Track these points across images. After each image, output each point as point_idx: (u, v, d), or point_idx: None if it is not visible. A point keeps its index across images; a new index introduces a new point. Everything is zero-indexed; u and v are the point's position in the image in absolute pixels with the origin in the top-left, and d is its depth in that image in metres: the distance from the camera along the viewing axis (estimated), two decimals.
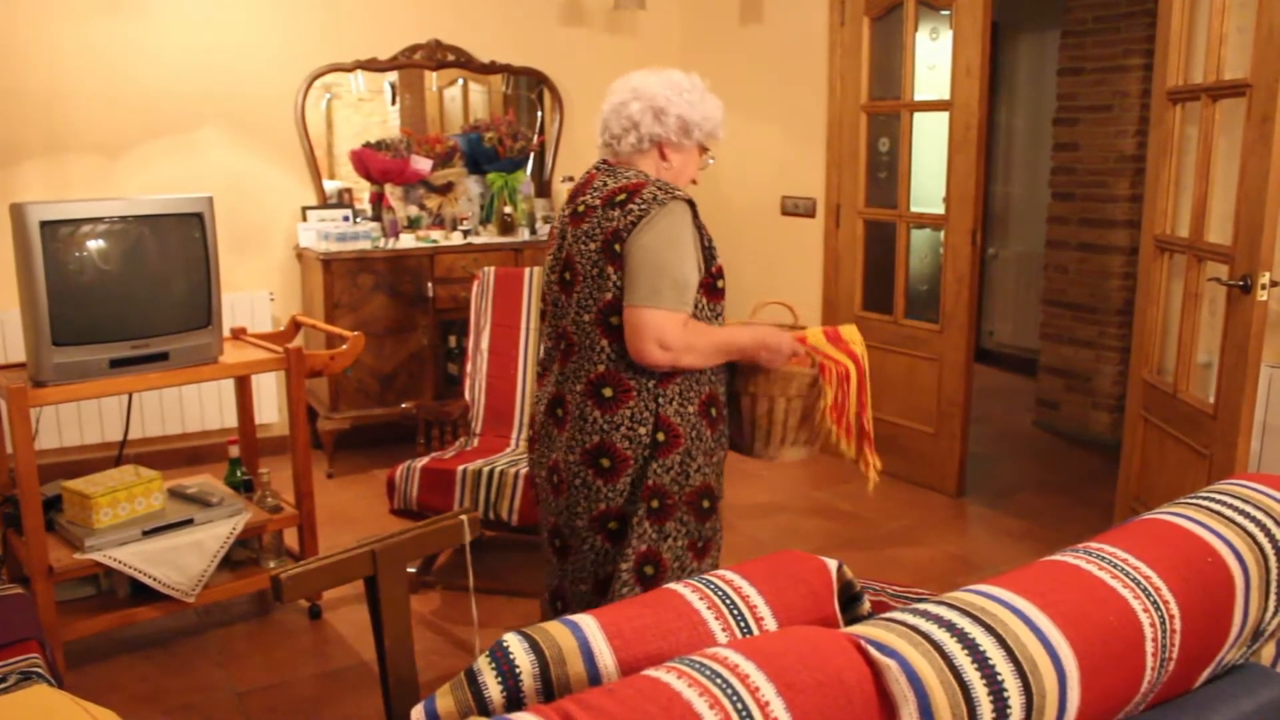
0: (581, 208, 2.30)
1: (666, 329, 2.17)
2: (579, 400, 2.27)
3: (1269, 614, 1.47)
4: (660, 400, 2.25)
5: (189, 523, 3.30)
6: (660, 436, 2.25)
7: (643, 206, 2.21)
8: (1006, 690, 1.15)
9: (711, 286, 2.32)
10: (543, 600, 2.56)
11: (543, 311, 2.45)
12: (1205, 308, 3.48)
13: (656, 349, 2.17)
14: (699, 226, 2.30)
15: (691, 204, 2.30)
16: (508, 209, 5.46)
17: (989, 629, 1.20)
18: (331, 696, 3.12)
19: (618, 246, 2.21)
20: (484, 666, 1.25)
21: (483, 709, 1.23)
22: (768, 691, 1.08)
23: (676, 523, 2.29)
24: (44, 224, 2.99)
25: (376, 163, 5.20)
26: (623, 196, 2.24)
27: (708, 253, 2.31)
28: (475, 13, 5.62)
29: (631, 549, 2.26)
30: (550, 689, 1.24)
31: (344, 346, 3.65)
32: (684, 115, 2.39)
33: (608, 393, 2.24)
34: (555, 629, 1.28)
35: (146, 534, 3.21)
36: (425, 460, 3.73)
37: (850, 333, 2.55)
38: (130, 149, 4.91)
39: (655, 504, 2.26)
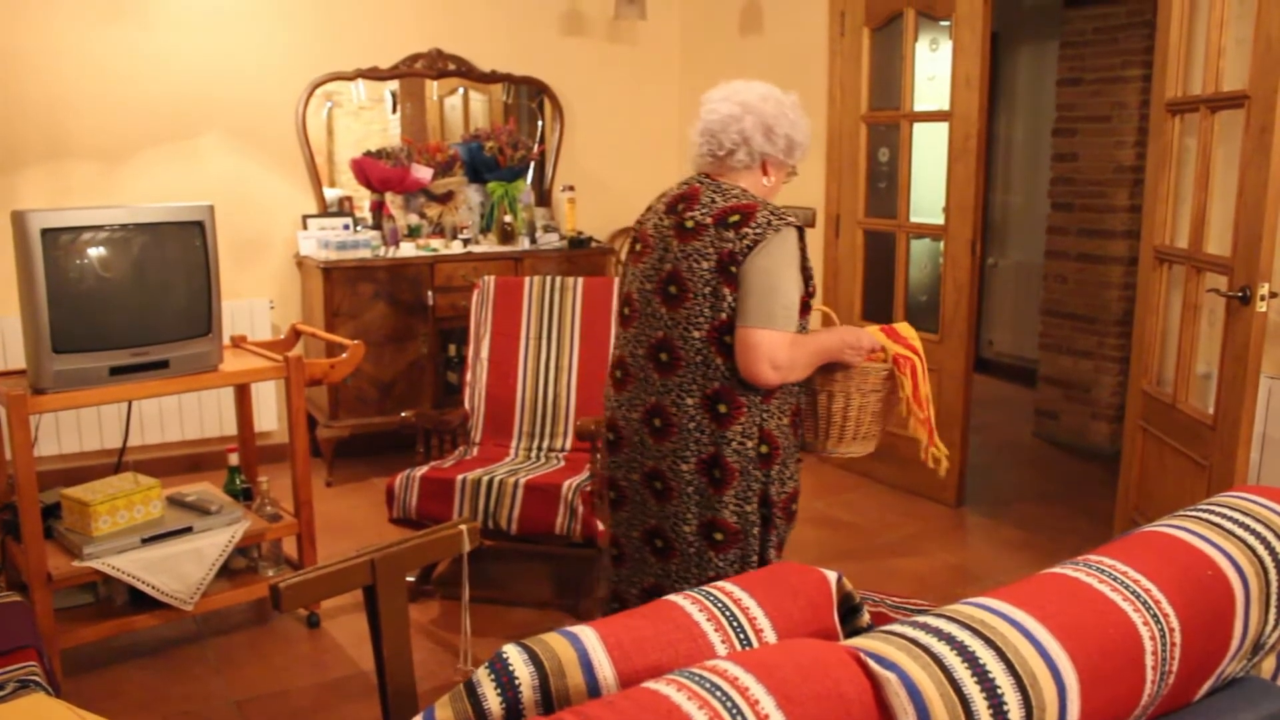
0: (690, 223, 2.35)
1: (779, 350, 2.27)
2: (691, 413, 2.35)
3: (1269, 627, 1.47)
4: (764, 415, 2.36)
5: (188, 531, 3.30)
6: (764, 449, 2.37)
7: (758, 231, 2.28)
8: (1006, 704, 1.15)
9: (804, 304, 2.41)
10: (598, 602, 2.65)
11: (625, 316, 2.50)
12: (1204, 318, 3.48)
13: (769, 369, 2.28)
14: (803, 249, 2.36)
15: (800, 229, 2.35)
16: (508, 218, 5.46)
17: (989, 642, 1.20)
18: (330, 706, 3.11)
19: (733, 269, 2.28)
20: (483, 678, 1.24)
21: None
22: (767, 704, 1.08)
23: (774, 527, 2.43)
24: (45, 231, 2.99)
25: (377, 171, 5.20)
26: (736, 218, 2.30)
27: (806, 273, 2.39)
28: (476, 22, 5.63)
29: (736, 550, 2.39)
30: (550, 701, 1.23)
31: (344, 355, 3.65)
32: (790, 135, 2.45)
33: (723, 409, 2.33)
34: (555, 641, 1.28)
35: (145, 542, 3.21)
36: (424, 469, 3.73)
37: (905, 329, 2.65)
38: (131, 156, 4.91)
39: (763, 512, 2.40)
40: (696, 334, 2.33)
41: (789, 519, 2.48)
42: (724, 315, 2.30)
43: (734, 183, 2.42)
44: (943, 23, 4.75)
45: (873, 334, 2.58)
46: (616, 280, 2.67)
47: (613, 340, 2.61)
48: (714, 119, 2.42)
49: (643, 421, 2.42)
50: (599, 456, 2.57)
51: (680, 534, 2.41)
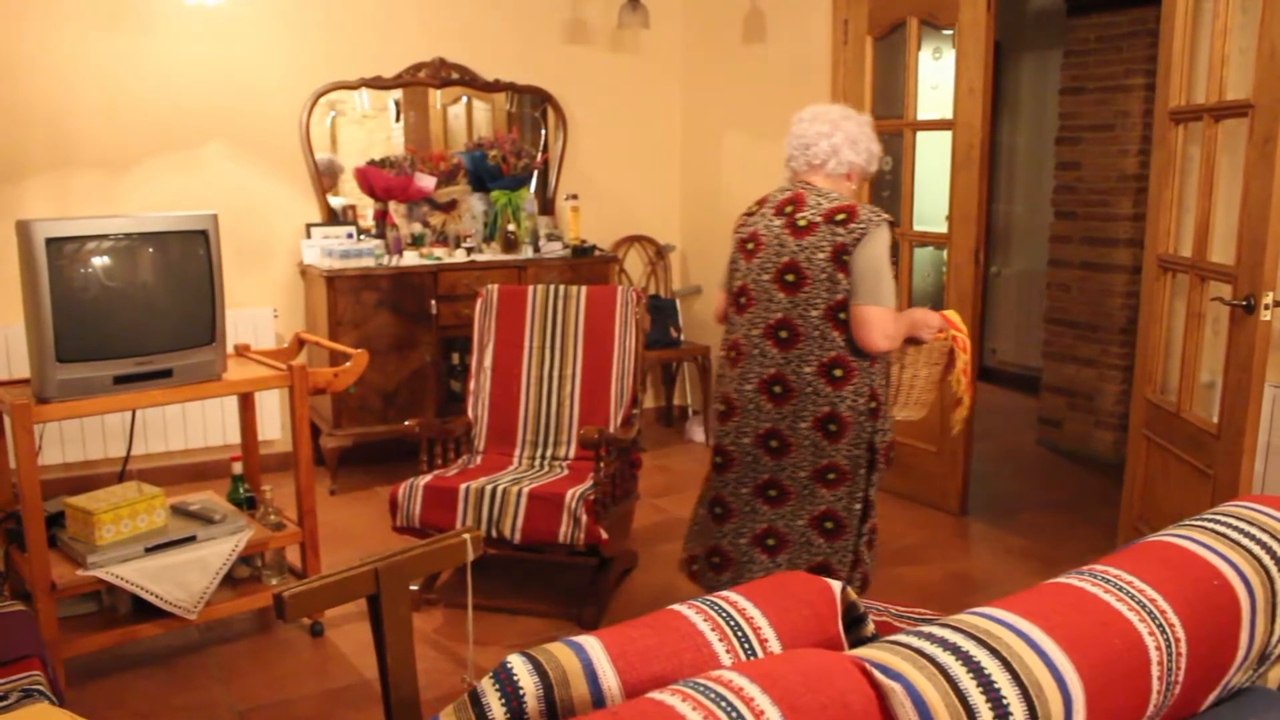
0: (803, 222, 2.83)
1: (888, 322, 2.78)
2: (809, 379, 2.83)
3: (1275, 637, 1.46)
4: (871, 376, 2.86)
5: (191, 540, 3.30)
6: (872, 404, 2.86)
7: (863, 226, 2.76)
8: (1011, 714, 1.15)
9: None
10: (682, 562, 3.20)
11: (741, 304, 2.95)
12: (1208, 327, 3.48)
13: (881, 338, 2.77)
14: (893, 241, 2.85)
15: (892, 224, 2.84)
16: (511, 227, 5.47)
17: (994, 652, 1.20)
18: (333, 715, 3.11)
19: (845, 258, 2.75)
20: (488, 688, 1.24)
21: None
22: (772, 715, 1.08)
23: (877, 469, 2.93)
24: (49, 241, 3.00)
25: (380, 180, 5.21)
26: (842, 216, 2.78)
27: (893, 260, 2.85)
28: (480, 31, 5.65)
29: (845, 487, 2.88)
30: (554, 711, 1.23)
31: (348, 364, 3.65)
32: (870, 148, 2.96)
33: (838, 373, 2.82)
34: (559, 650, 1.28)
35: (149, 551, 3.21)
36: (428, 478, 3.73)
37: (953, 315, 3.13)
38: (135, 165, 4.92)
39: (870, 457, 2.89)
40: (814, 313, 2.79)
41: (888, 464, 2.98)
42: (839, 296, 2.77)
43: (833, 188, 2.89)
44: (946, 31, 4.76)
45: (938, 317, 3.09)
46: (724, 275, 3.08)
47: (726, 326, 3.07)
48: (808, 135, 2.91)
49: (759, 390, 2.89)
50: (715, 423, 3.06)
51: (796, 480, 2.89)
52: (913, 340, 3.01)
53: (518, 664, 1.26)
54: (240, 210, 5.09)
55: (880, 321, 2.76)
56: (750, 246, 2.93)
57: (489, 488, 3.62)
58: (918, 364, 3.08)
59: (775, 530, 2.95)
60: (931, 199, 4.90)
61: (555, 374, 4.15)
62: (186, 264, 3.34)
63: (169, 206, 4.87)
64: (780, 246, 2.85)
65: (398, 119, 5.60)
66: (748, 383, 2.91)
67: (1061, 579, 1.41)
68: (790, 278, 2.82)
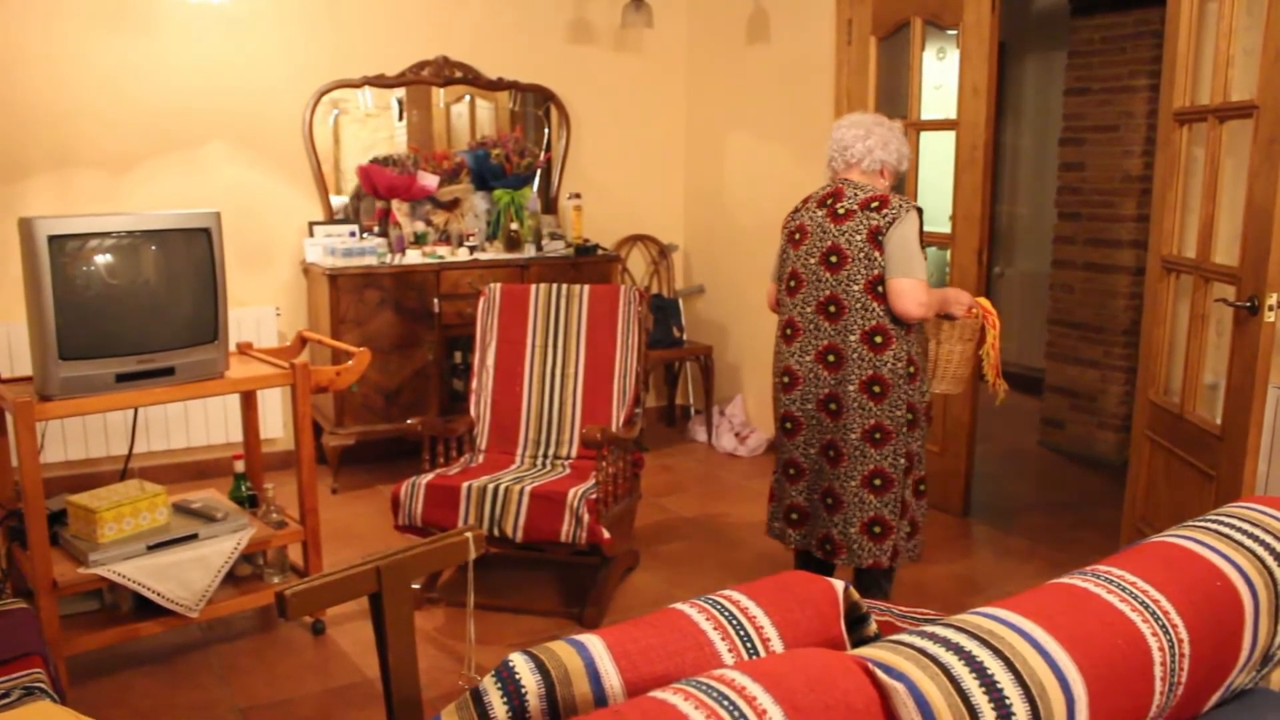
0: (842, 210, 3.25)
1: (921, 291, 3.16)
2: (855, 346, 3.22)
3: (1278, 639, 1.46)
4: (908, 343, 3.25)
5: (193, 538, 3.30)
6: (910, 369, 3.24)
7: (894, 211, 3.17)
8: (1014, 714, 1.15)
9: None
10: (768, 527, 3.60)
11: (792, 288, 3.36)
12: (1212, 328, 3.47)
13: (915, 306, 3.15)
14: (921, 225, 3.23)
15: (920, 210, 3.22)
16: (514, 225, 5.47)
17: (997, 652, 1.19)
18: (335, 713, 3.11)
19: (880, 238, 3.16)
20: (490, 687, 1.24)
21: None
22: (775, 714, 1.08)
23: (918, 426, 3.31)
24: (52, 238, 3.00)
25: (383, 178, 5.21)
26: (876, 203, 3.20)
27: (922, 242, 3.22)
28: (483, 30, 5.65)
29: (891, 446, 3.25)
30: (556, 710, 1.23)
31: (350, 362, 3.65)
32: (899, 149, 3.37)
33: (879, 340, 3.20)
34: (561, 649, 1.28)
35: (151, 549, 3.21)
36: (430, 476, 3.73)
37: (984, 300, 3.51)
38: (137, 164, 4.93)
39: (910, 416, 3.26)
40: (856, 287, 3.20)
41: (928, 422, 3.40)
42: (876, 272, 3.17)
43: (868, 183, 3.30)
44: (950, 32, 4.75)
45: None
46: (774, 266, 3.52)
47: (781, 308, 3.45)
48: (846, 138, 3.36)
49: (816, 361, 3.29)
50: (779, 395, 3.42)
51: (849, 441, 3.26)
52: (947, 317, 3.41)
53: (520, 662, 1.25)
54: (243, 208, 5.09)
55: (913, 291, 3.15)
56: (797, 236, 3.36)
57: (491, 486, 3.62)
58: (952, 339, 3.47)
59: (833, 490, 3.33)
60: (935, 199, 4.89)
61: (558, 373, 4.15)
62: (189, 262, 3.34)
63: (172, 205, 4.87)
64: (823, 233, 3.27)
65: (401, 117, 5.60)
66: (807, 354, 3.32)
67: (1064, 579, 1.41)
68: (834, 259, 3.24)
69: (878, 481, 3.27)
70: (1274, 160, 2.98)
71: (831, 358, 3.26)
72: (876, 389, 3.21)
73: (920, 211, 3.20)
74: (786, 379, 3.37)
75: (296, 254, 5.31)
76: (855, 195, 3.26)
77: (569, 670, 1.25)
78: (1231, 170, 3.34)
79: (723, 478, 5.37)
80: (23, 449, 2.97)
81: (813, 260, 3.29)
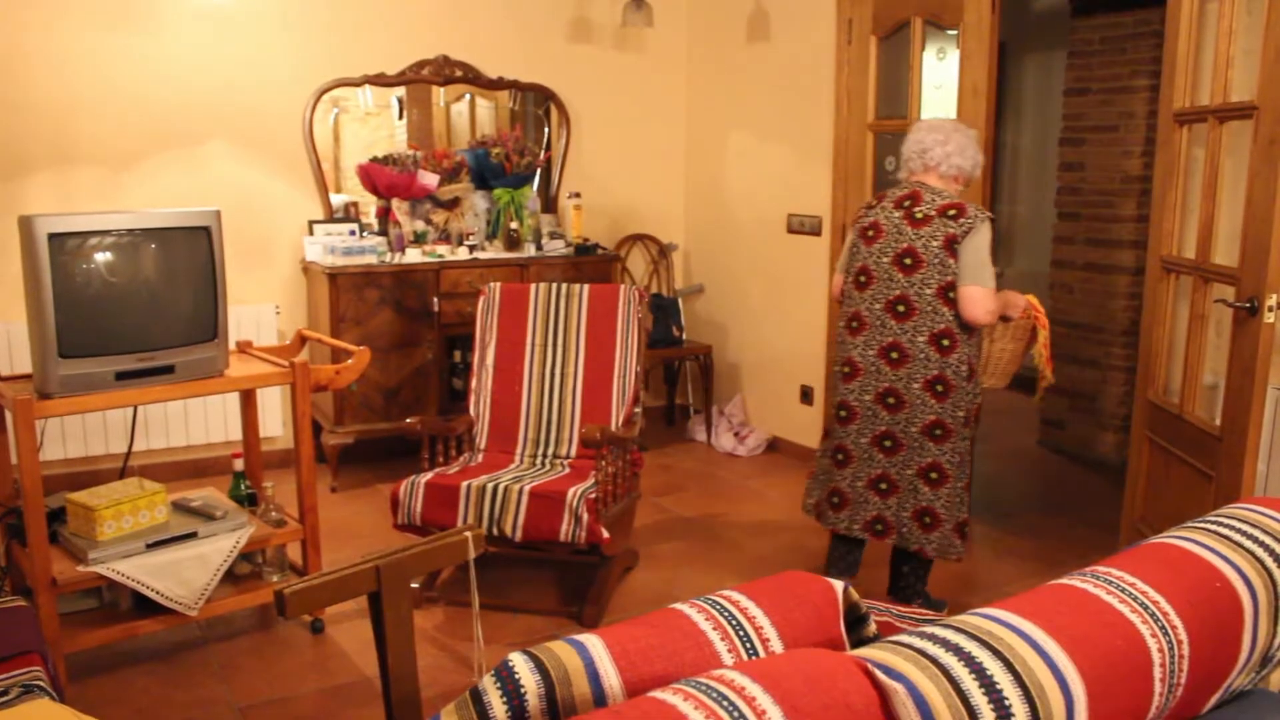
0: (920, 215, 3.35)
1: (990, 300, 3.31)
2: (922, 347, 3.36)
3: (1277, 640, 1.46)
4: (970, 348, 3.39)
5: (192, 536, 3.30)
6: (968, 371, 3.39)
7: (970, 221, 3.29)
8: (1014, 715, 1.15)
9: None
10: (806, 505, 3.76)
11: (862, 283, 3.47)
12: (1211, 329, 3.47)
13: (984, 313, 3.30)
14: (994, 235, 3.38)
15: (993, 220, 3.37)
16: (514, 224, 5.47)
17: (996, 653, 1.20)
18: (333, 712, 3.11)
19: (955, 246, 3.29)
20: (489, 686, 1.24)
21: None
22: (774, 715, 1.08)
23: (970, 424, 3.48)
24: (52, 236, 3.00)
25: (383, 177, 5.21)
26: (954, 211, 3.31)
27: (993, 249, 3.37)
28: (483, 29, 5.65)
29: (950, 444, 3.40)
30: (555, 710, 1.23)
31: (349, 361, 3.65)
32: (974, 156, 3.47)
33: (946, 342, 3.34)
34: (561, 649, 1.28)
35: (150, 547, 3.21)
36: (429, 475, 3.73)
37: (1035, 301, 3.66)
38: (137, 162, 4.92)
39: (964, 414, 3.42)
40: (928, 291, 3.32)
41: (976, 422, 3.62)
42: (949, 278, 3.30)
43: (944, 189, 3.41)
44: (950, 32, 4.75)
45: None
46: (843, 259, 3.64)
47: (845, 301, 3.59)
48: (925, 142, 3.44)
49: (879, 356, 3.42)
50: (837, 383, 3.59)
51: (909, 434, 3.42)
52: (1003, 318, 3.56)
53: (519, 662, 1.25)
54: (243, 207, 5.09)
55: (984, 299, 3.29)
56: (871, 234, 3.46)
57: (490, 486, 3.62)
58: (1005, 339, 3.69)
59: (888, 476, 3.48)
60: None
61: (557, 372, 4.15)
62: (189, 260, 3.34)
63: (172, 203, 4.87)
64: (899, 234, 3.38)
65: (401, 116, 5.60)
66: (870, 348, 3.45)
67: (1063, 580, 1.41)
68: (908, 261, 3.35)
69: (934, 475, 3.42)
70: (1274, 161, 2.98)
71: (895, 354, 3.40)
72: (940, 388, 3.37)
73: (993, 221, 3.38)
74: (847, 369, 3.52)
75: (296, 252, 5.31)
76: (933, 201, 3.36)
77: (568, 670, 1.25)
78: (1231, 171, 3.34)
79: (722, 477, 5.37)
80: (22, 447, 2.97)
81: (885, 259, 3.40)
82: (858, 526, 3.55)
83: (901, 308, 3.37)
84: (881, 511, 3.51)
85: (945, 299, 3.32)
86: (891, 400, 3.43)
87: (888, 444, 3.46)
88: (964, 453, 3.46)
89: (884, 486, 3.49)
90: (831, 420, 3.62)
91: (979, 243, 3.29)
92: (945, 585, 4.00)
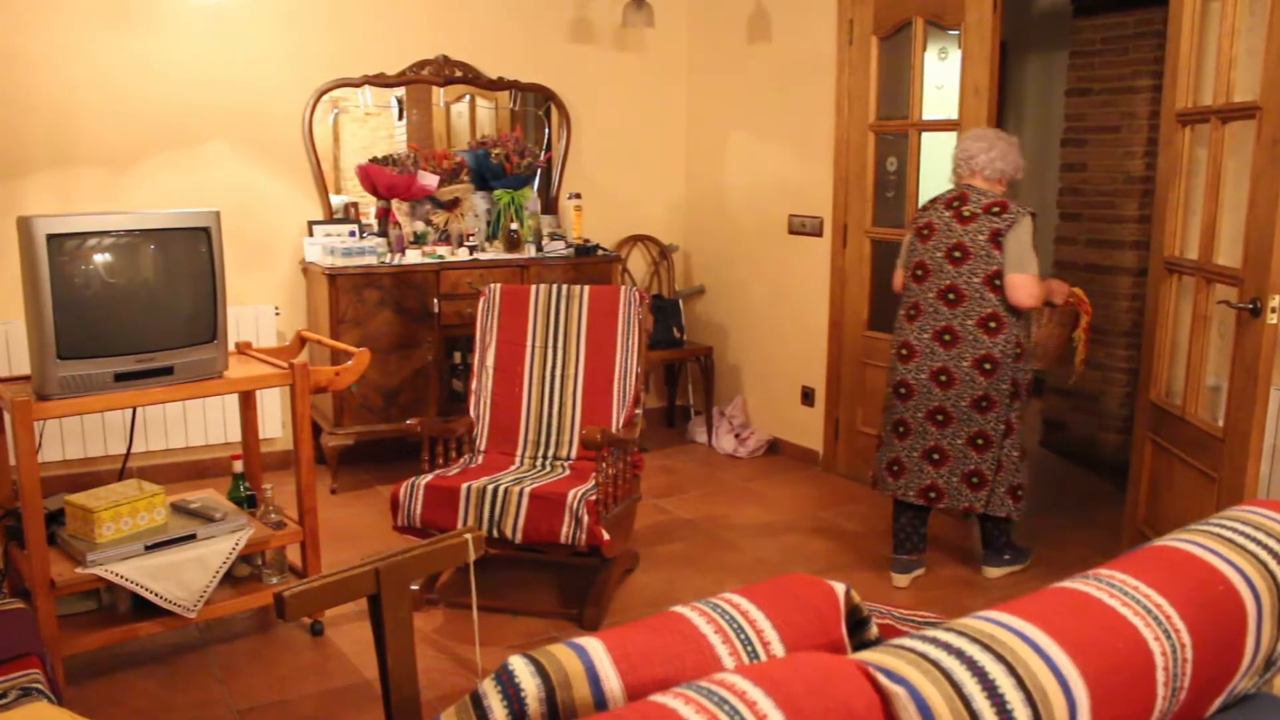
0: (967, 213, 3.76)
1: (1033, 285, 3.68)
2: (971, 330, 3.74)
3: None
4: (1017, 329, 3.75)
5: (191, 538, 3.29)
6: (1018, 350, 3.76)
7: (1013, 216, 3.69)
8: (1016, 719, 1.14)
9: None
10: (871, 477, 4.16)
11: (918, 276, 3.87)
12: (1214, 330, 3.46)
13: (1027, 297, 3.67)
14: (1035, 228, 3.75)
15: (1034, 215, 3.76)
16: (514, 225, 5.46)
17: (998, 657, 1.19)
18: (333, 715, 3.10)
19: (1000, 239, 3.68)
20: (489, 690, 1.23)
21: None
22: (775, 719, 1.07)
23: (1019, 398, 3.83)
24: (51, 237, 2.99)
25: (383, 178, 5.20)
26: (997, 208, 3.71)
27: (1034, 241, 3.73)
28: (483, 29, 5.64)
29: (995, 413, 3.78)
30: (556, 713, 1.22)
31: (349, 362, 3.64)
32: (1016, 160, 3.85)
33: (993, 325, 3.72)
34: (561, 652, 1.27)
35: (149, 549, 3.20)
36: (429, 477, 3.72)
37: (1079, 290, 4.03)
38: (137, 162, 4.92)
39: (1013, 390, 3.78)
40: (976, 280, 3.72)
41: (1028, 396, 3.92)
42: (994, 267, 3.68)
43: (989, 190, 3.80)
44: (951, 32, 4.74)
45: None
46: (902, 256, 4.04)
47: (904, 292, 3.98)
48: (972, 149, 3.85)
49: (933, 339, 3.82)
50: (895, 364, 3.96)
51: (959, 408, 3.80)
52: (1048, 304, 3.90)
53: (519, 665, 1.25)
54: (242, 207, 5.08)
55: (1026, 285, 3.66)
56: (925, 232, 3.86)
57: (490, 487, 3.61)
58: (1051, 323, 4.01)
59: (940, 447, 3.86)
60: None
61: (557, 374, 4.14)
62: (188, 261, 3.33)
63: (171, 204, 4.86)
64: (949, 231, 3.78)
65: (401, 117, 5.60)
66: (925, 332, 3.84)
67: (1066, 583, 1.40)
68: (957, 254, 3.75)
69: (980, 441, 3.80)
70: (1277, 161, 2.97)
71: (947, 337, 3.79)
72: (987, 366, 3.74)
73: (1034, 216, 3.75)
74: (905, 351, 3.91)
75: (296, 253, 5.30)
76: (979, 200, 3.75)
77: (569, 673, 1.24)
78: (1234, 171, 3.33)
79: (723, 479, 5.37)
80: (20, 448, 2.96)
81: (938, 254, 3.81)
82: (913, 493, 3.91)
83: (952, 295, 3.77)
84: (935, 480, 3.87)
85: (991, 286, 3.70)
86: (944, 378, 3.80)
87: (940, 418, 3.84)
88: (1010, 422, 3.81)
89: (936, 457, 3.86)
90: (890, 397, 3.99)
91: (1021, 235, 3.67)
92: (946, 587, 4.00)
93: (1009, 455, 3.82)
